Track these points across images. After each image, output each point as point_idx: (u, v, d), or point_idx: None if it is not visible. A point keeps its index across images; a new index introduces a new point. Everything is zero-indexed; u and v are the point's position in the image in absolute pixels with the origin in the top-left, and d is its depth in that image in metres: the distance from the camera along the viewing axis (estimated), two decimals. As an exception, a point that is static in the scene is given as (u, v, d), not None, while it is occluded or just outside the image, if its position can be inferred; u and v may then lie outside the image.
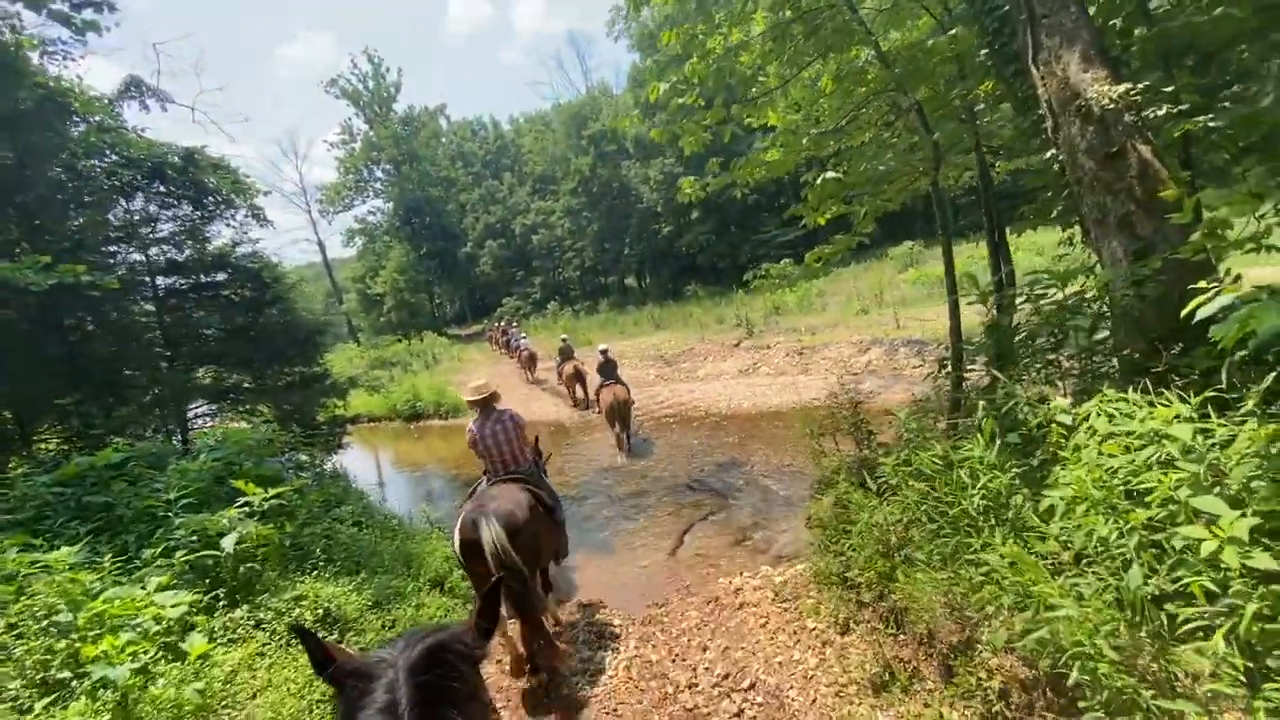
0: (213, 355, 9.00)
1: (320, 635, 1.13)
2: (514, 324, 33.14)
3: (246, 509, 4.49)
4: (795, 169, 7.59)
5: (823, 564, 3.94)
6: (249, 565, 4.14)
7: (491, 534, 3.80)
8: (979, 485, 3.02)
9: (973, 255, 21.19)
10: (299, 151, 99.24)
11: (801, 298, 23.60)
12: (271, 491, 4.62)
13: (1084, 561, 2.46)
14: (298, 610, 3.79)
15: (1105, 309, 4.04)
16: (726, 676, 3.69)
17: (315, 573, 4.75)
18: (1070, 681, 2.03)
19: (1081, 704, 2.08)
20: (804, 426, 6.02)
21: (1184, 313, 2.72)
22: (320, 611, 3.86)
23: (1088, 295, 4.00)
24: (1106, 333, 3.97)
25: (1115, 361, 3.95)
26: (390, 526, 6.64)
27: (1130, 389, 3.34)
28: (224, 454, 5.59)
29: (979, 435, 3.32)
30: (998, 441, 3.19)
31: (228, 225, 9.40)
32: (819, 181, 6.19)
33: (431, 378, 23.78)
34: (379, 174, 54.68)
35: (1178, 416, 2.46)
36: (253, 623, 3.72)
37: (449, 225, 51.64)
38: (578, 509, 8.56)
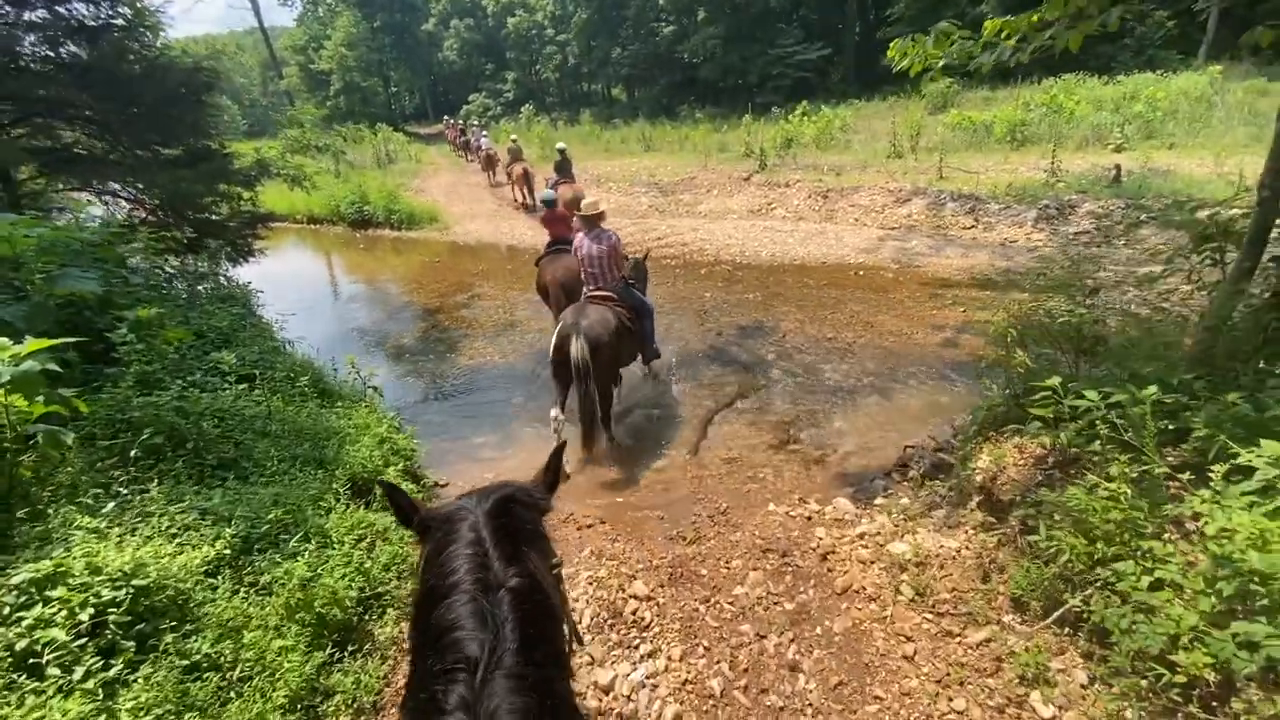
0: (40, 102, 6.11)
1: None
2: (476, 123, 29.20)
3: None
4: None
5: (1070, 597, 2.17)
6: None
7: (578, 349, 4.47)
8: None
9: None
10: None
11: (821, 131, 20.41)
12: (31, 345, 2.46)
13: None
14: (38, 611, 1.87)
15: None
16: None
17: (141, 484, 2.79)
18: None
19: None
20: (994, 319, 3.82)
21: None
22: (95, 603, 1.96)
23: None
24: None
25: None
26: (301, 383, 4.61)
27: None
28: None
29: None
30: None
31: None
32: None
33: (384, 179, 20.40)
34: (318, -87, 44.41)
35: None
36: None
37: (408, -7, 43.33)
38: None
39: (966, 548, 2.86)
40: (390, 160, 27.11)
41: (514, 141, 16.93)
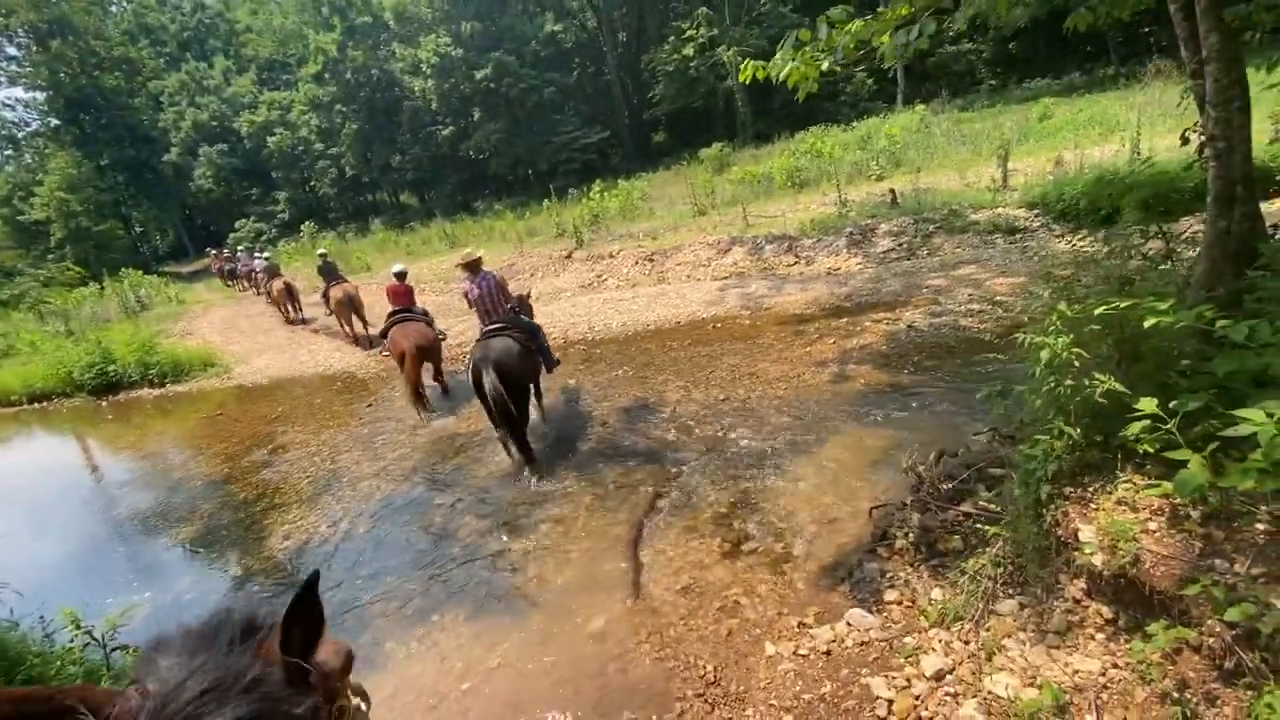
0: None
1: None
2: (242, 249, 26.40)
3: None
4: None
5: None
6: None
7: (490, 382, 5.15)
8: None
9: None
10: None
11: (624, 203, 20.94)
12: None
13: None
14: None
15: None
16: None
17: None
18: None
19: None
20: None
21: None
22: None
23: None
24: None
25: None
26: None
27: None
28: None
29: None
30: None
31: None
32: None
33: (137, 329, 16.73)
34: (12, 50, 38.38)
35: None
36: None
37: (138, 125, 38.57)
38: (420, 526, 5.09)
39: (1115, 666, 2.05)
40: (143, 306, 22.81)
41: (268, 259, 17.82)
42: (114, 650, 3.10)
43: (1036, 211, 10.71)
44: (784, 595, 3.41)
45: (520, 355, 5.47)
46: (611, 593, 3.72)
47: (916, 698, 2.30)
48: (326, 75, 32.41)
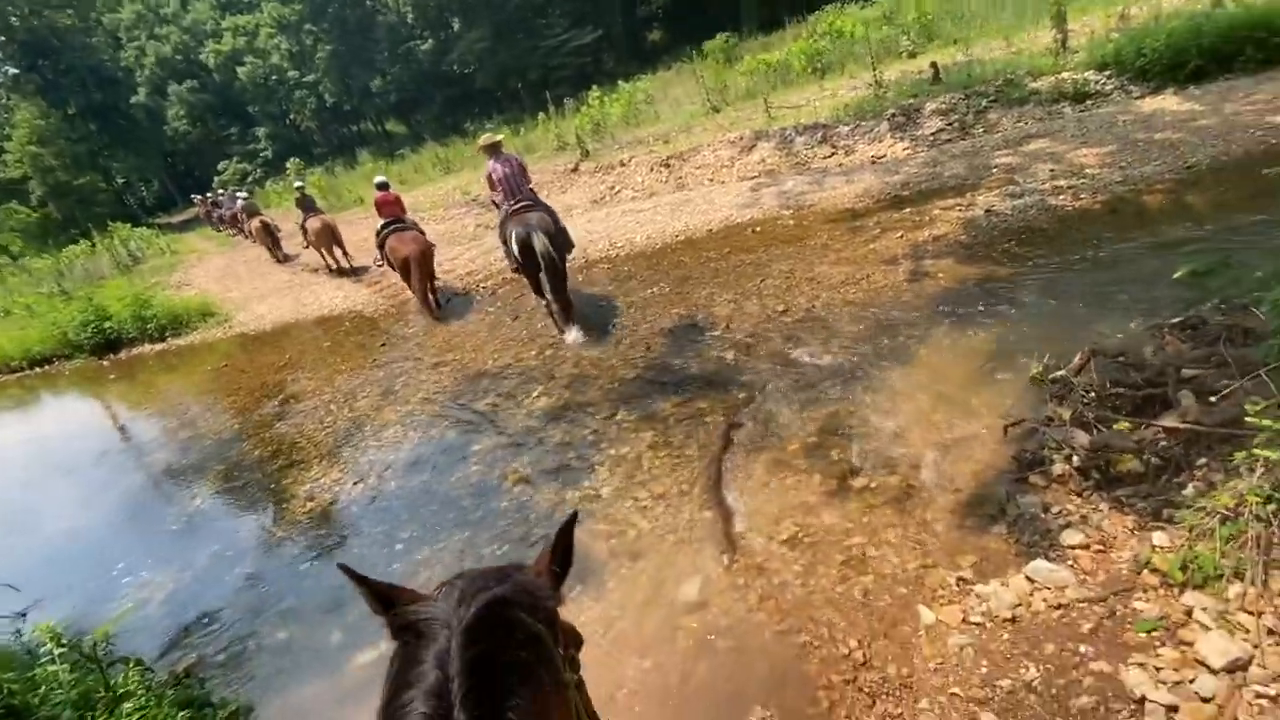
0: None
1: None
2: (224, 192, 25.19)
3: None
4: None
5: None
6: None
7: (540, 243, 5.53)
8: None
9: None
10: None
11: (627, 108, 19.29)
12: None
13: None
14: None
15: None
16: None
17: None
18: None
19: None
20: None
21: None
22: None
23: None
24: None
25: None
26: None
27: None
28: None
29: None
30: None
31: None
32: None
33: (130, 284, 15.97)
34: (-55, -9, 35.40)
35: None
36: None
37: (100, 66, 36.00)
38: (458, 477, 4.46)
39: None
40: (135, 260, 21.93)
41: (246, 198, 18.04)
42: (112, 665, 2.52)
43: (1108, 73, 9.37)
44: (922, 541, 2.76)
45: (555, 225, 5.93)
46: (701, 548, 3.09)
47: (1206, 700, 1.66)
48: (290, -8, 29.70)
